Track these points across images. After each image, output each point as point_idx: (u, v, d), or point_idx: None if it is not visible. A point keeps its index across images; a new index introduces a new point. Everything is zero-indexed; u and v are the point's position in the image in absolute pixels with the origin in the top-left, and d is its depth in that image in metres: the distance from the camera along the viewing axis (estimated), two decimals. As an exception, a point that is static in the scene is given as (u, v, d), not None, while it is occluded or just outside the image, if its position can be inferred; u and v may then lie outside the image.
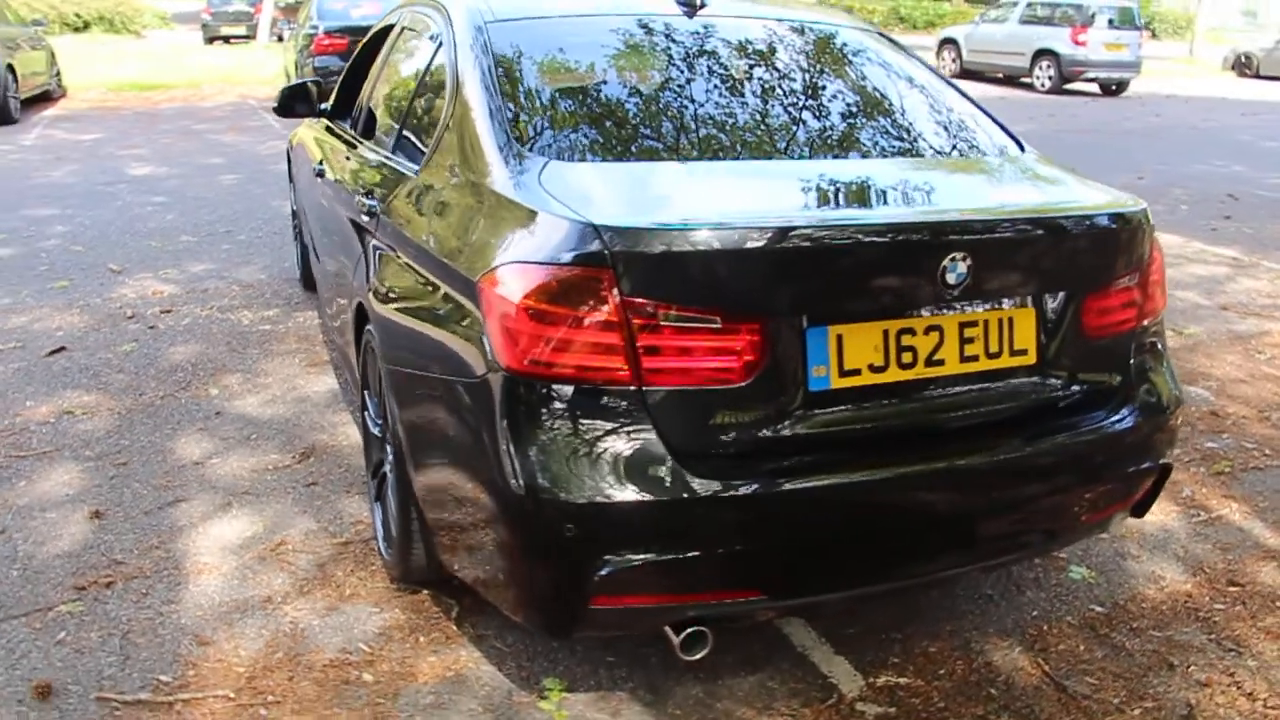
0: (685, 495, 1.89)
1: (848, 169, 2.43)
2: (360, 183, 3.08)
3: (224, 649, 2.53)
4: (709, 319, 1.88)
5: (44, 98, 14.09)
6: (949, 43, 20.57)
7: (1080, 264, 2.23)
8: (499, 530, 1.98)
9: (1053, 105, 16.57)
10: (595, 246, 1.84)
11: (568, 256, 1.86)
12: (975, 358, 2.12)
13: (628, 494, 1.88)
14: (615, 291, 1.84)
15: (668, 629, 2.03)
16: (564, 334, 1.86)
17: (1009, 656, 2.58)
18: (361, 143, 3.37)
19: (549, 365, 1.88)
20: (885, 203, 2.26)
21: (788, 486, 1.95)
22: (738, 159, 2.38)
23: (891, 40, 3.12)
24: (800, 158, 2.44)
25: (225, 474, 3.42)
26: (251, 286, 5.59)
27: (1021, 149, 2.72)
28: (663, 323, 1.87)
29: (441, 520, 2.30)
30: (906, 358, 2.04)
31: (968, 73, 19.92)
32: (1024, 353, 2.18)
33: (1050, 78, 18.26)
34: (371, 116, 3.41)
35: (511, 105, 2.39)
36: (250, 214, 7.40)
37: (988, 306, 2.12)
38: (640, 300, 1.85)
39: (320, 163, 3.82)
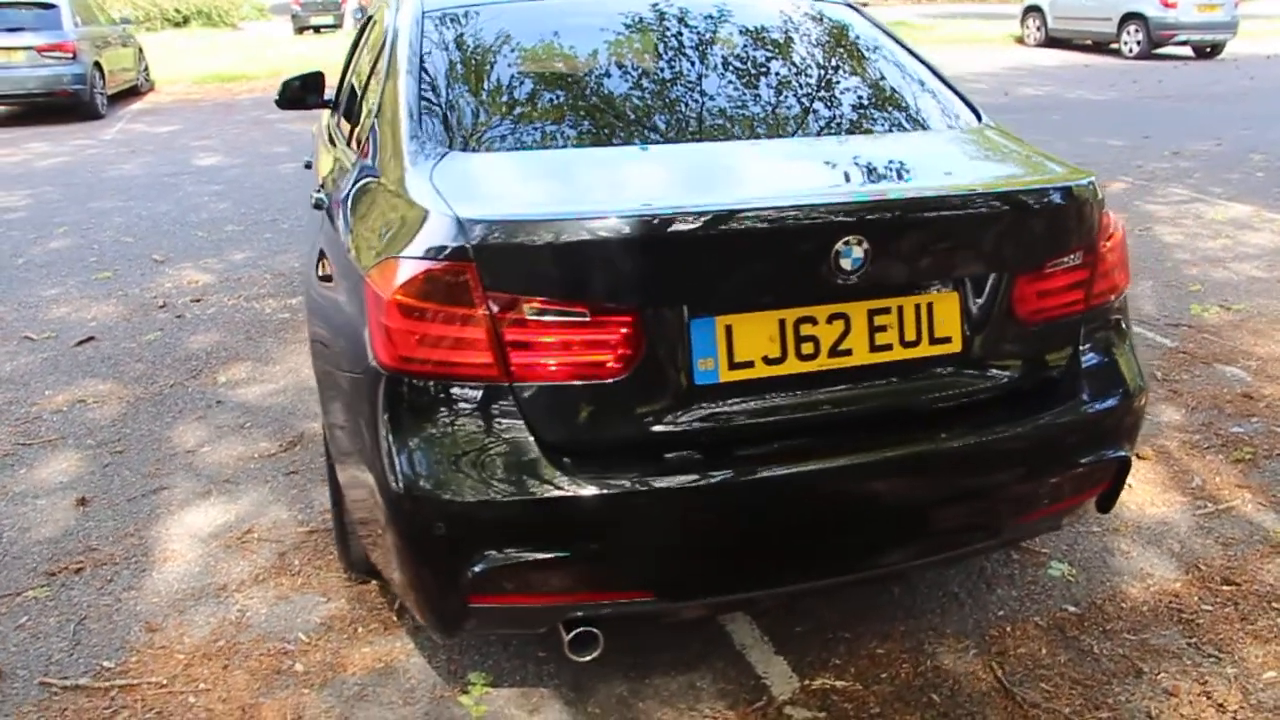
0: (559, 493, 1.83)
1: (768, 150, 2.31)
2: (321, 175, 3.09)
3: (170, 636, 2.58)
4: (577, 312, 1.81)
5: (132, 92, 14.66)
6: (1033, 10, 19.67)
7: (1009, 244, 2.08)
8: (387, 527, 1.96)
9: (1139, 71, 15.70)
10: (459, 241, 1.79)
11: (434, 251, 1.82)
12: (888, 347, 1.99)
13: (498, 492, 1.83)
14: (479, 286, 1.79)
15: (561, 628, 1.98)
16: (432, 330, 1.82)
17: (961, 660, 2.46)
18: (336, 134, 3.39)
19: (420, 361, 1.85)
20: (785, 185, 2.13)
21: (673, 484, 1.87)
22: (650, 144, 2.28)
23: (859, 12, 2.97)
24: (722, 140, 2.34)
25: (212, 462, 3.49)
26: (283, 275, 5.70)
27: (979, 120, 2.57)
28: (529, 317, 1.80)
29: (357, 514, 2.29)
30: (807, 349, 1.93)
31: (1053, 40, 19.04)
32: (947, 340, 2.04)
33: (1139, 43, 17.31)
34: (339, 108, 3.42)
35: (431, 97, 2.34)
36: (300, 202, 7.55)
37: (900, 292, 1.99)
38: (505, 294, 1.79)
39: (310, 155, 3.85)
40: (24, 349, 4.63)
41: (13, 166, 9.38)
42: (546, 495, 1.83)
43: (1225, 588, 2.71)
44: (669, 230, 1.81)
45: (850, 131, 2.44)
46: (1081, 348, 2.21)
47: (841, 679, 2.38)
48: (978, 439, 2.06)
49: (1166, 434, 3.58)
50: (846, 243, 1.85)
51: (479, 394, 1.85)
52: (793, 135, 2.38)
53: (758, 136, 2.36)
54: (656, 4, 2.73)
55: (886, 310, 1.98)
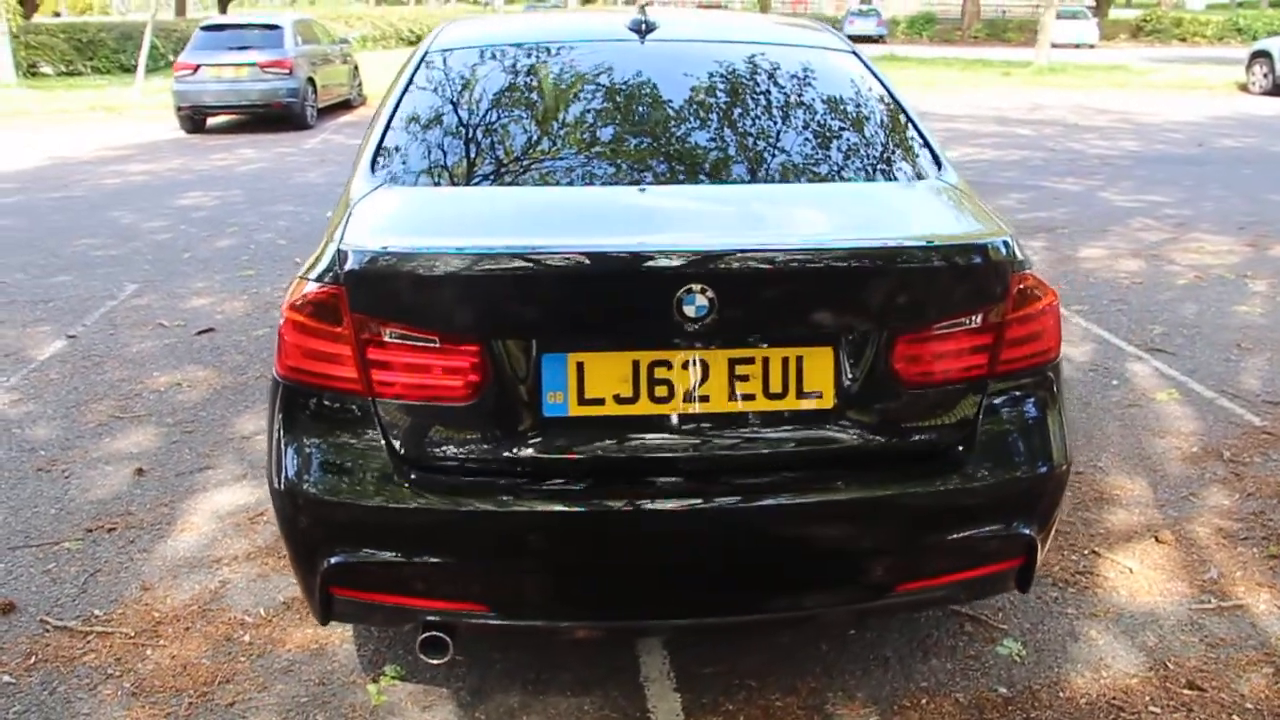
0: (400, 504, 1.98)
1: (675, 196, 2.33)
2: None
3: (156, 595, 2.91)
4: (428, 338, 1.95)
5: (344, 106, 15.99)
6: (1261, 56, 18.17)
7: (890, 302, 2.04)
8: (276, 518, 2.17)
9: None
10: (335, 268, 1.98)
11: (319, 275, 2.02)
12: (751, 397, 2.02)
13: (351, 496, 2.01)
14: (347, 309, 1.96)
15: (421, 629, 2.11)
16: (312, 344, 2.02)
17: (858, 724, 2.41)
18: None
19: (304, 372, 2.04)
20: (650, 231, 2.14)
21: (512, 508, 1.98)
22: (571, 185, 2.39)
23: (857, 56, 2.95)
24: (637, 185, 2.38)
25: (260, 449, 3.85)
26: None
27: (937, 172, 2.51)
28: (387, 339, 1.97)
29: None
30: (661, 391, 1.99)
31: (1281, 89, 17.52)
32: (817, 395, 2.04)
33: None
34: None
35: (398, 131, 2.55)
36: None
37: (766, 343, 2.01)
38: (368, 317, 1.96)
39: None
40: (154, 334, 5.23)
41: (218, 170, 10.49)
42: (391, 504, 1.98)
43: (1187, 692, 2.51)
44: (516, 268, 1.93)
45: (777, 180, 2.45)
46: (982, 417, 2.14)
47: (727, 725, 2.39)
48: (842, 498, 2.04)
49: (1203, 517, 3.32)
50: (689, 291, 1.89)
51: (346, 406, 2.03)
52: (716, 182, 2.42)
53: (678, 182, 2.41)
54: (647, 49, 2.83)
55: (749, 360, 2.00)
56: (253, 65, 13.08)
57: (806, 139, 2.61)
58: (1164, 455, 3.80)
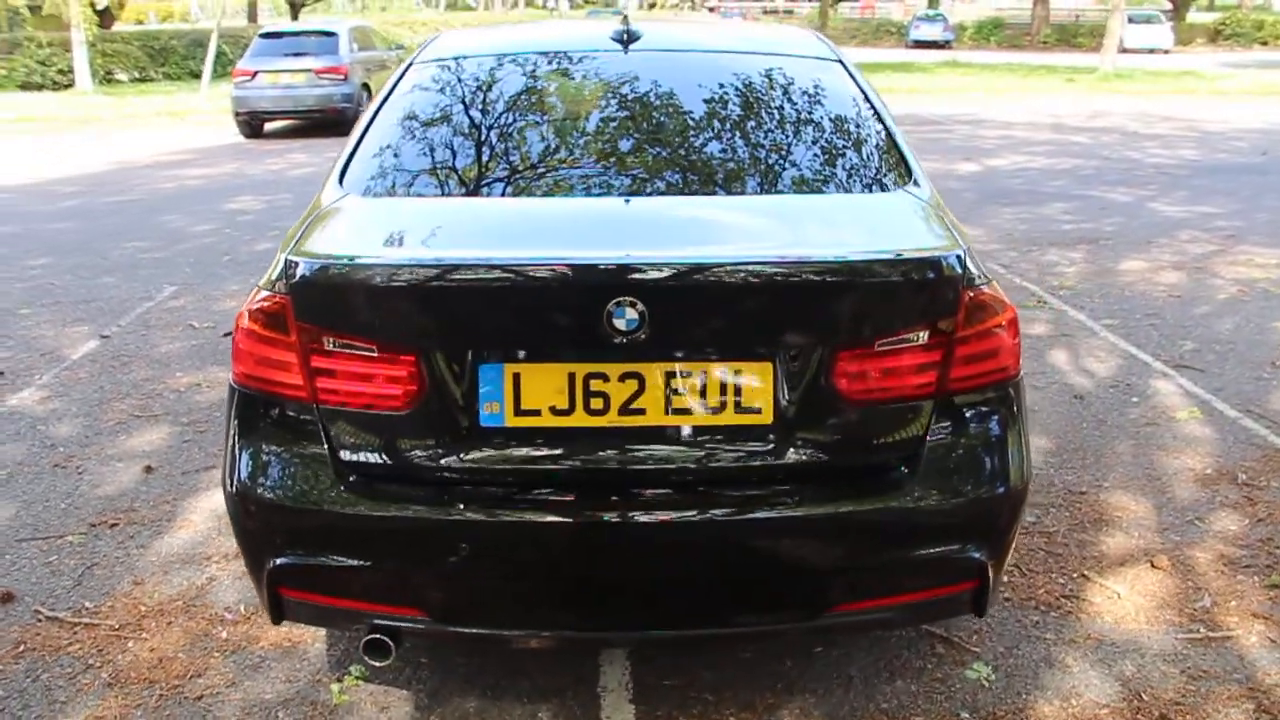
0: (340, 508, 2.02)
1: (630, 209, 2.32)
2: None
3: (146, 590, 3.00)
4: (366, 347, 1.99)
5: (400, 112, 16.23)
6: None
7: (830, 317, 2.02)
8: (230, 520, 2.23)
9: None
10: (282, 277, 2.03)
11: (270, 284, 2.07)
12: (687, 411, 2.01)
13: (292, 499, 2.06)
14: (292, 318, 2.01)
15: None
16: (261, 352, 2.07)
17: (812, 742, 2.39)
18: None
19: (255, 379, 2.10)
20: (591, 244, 2.14)
21: (445, 516, 2.01)
22: (535, 196, 2.41)
23: (844, 66, 2.93)
24: (595, 197, 2.38)
25: (266, 448, 3.94)
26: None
27: (906, 185, 2.48)
28: (328, 348, 2.01)
29: None
30: (596, 404, 2.00)
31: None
32: (756, 411, 2.02)
33: None
34: None
35: (371, 143, 2.60)
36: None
37: (703, 358, 2.00)
38: (311, 326, 2.01)
39: None
40: (183, 335, 5.38)
41: (270, 175, 10.76)
42: (330, 509, 2.03)
43: (1158, 724, 2.45)
44: (451, 280, 1.95)
45: (738, 192, 2.44)
46: (930, 436, 2.10)
47: (677, 738, 2.39)
48: (780, 515, 2.03)
49: (1206, 543, 3.22)
50: (618, 303, 1.90)
51: (293, 413, 2.07)
52: (678, 194, 2.41)
53: (642, 194, 2.41)
54: (628, 60, 2.84)
55: (687, 375, 2.00)
56: (308, 71, 13.40)
57: (775, 150, 2.60)
58: (1175, 476, 3.70)
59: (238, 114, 14.00)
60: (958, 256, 2.07)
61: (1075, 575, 3.06)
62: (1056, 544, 3.23)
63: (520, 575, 2.07)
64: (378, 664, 2.18)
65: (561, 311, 1.97)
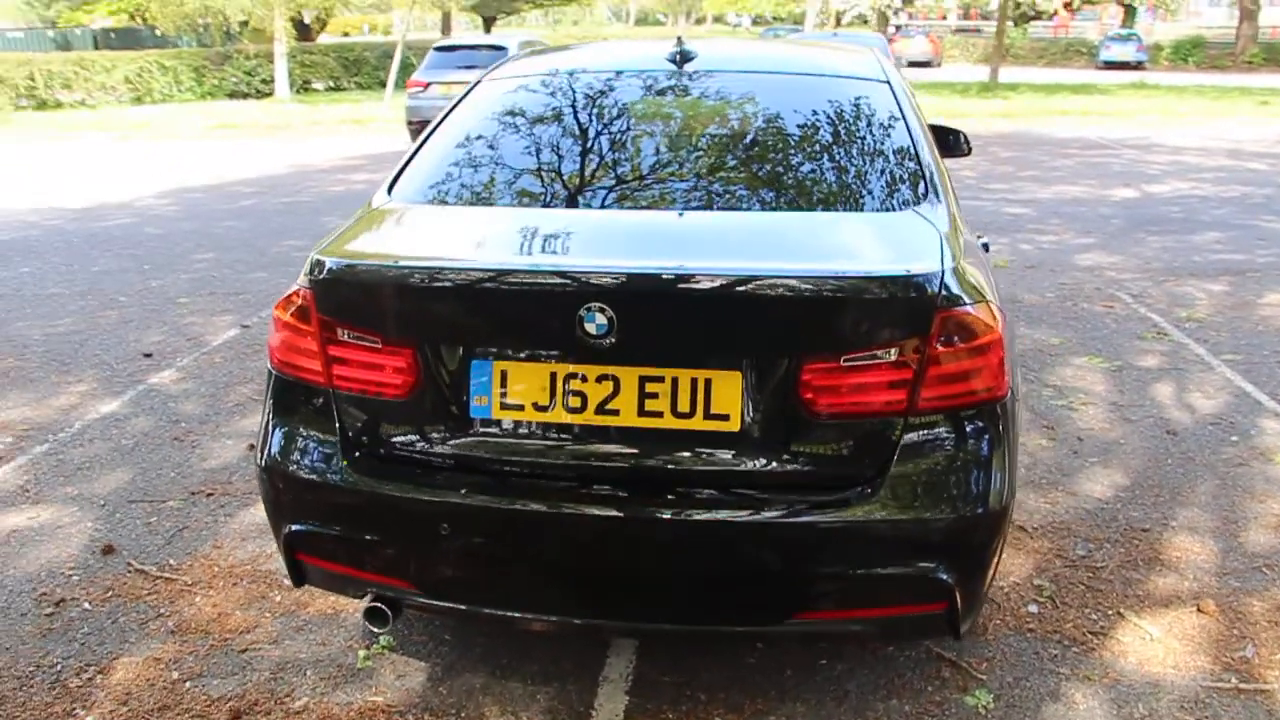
0: (342, 483, 2.24)
1: (642, 222, 2.45)
2: None
3: (222, 553, 3.33)
4: (372, 339, 2.20)
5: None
6: None
7: (797, 330, 2.08)
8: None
9: None
10: (308, 274, 2.27)
11: (300, 281, 2.31)
12: (659, 414, 2.12)
13: (305, 472, 2.29)
14: (314, 311, 2.25)
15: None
16: (291, 340, 2.32)
17: (791, 749, 2.44)
18: None
19: (285, 364, 2.35)
20: (583, 253, 2.27)
21: (433, 496, 2.19)
22: (555, 207, 2.57)
23: (890, 86, 2.95)
24: (617, 209, 2.51)
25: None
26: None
27: (926, 203, 2.49)
28: (341, 338, 2.23)
29: None
30: (574, 402, 2.14)
31: None
32: (725, 418, 2.11)
33: None
34: None
35: (425, 154, 2.84)
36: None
37: (675, 364, 2.10)
38: (329, 319, 2.24)
39: None
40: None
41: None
42: (335, 483, 2.25)
43: (1158, 768, 2.37)
44: (446, 282, 2.14)
45: (750, 208, 2.51)
46: (899, 453, 2.13)
47: (660, 731, 2.49)
48: (741, 519, 2.10)
49: (1268, 593, 3.05)
50: (589, 309, 2.03)
51: (314, 395, 2.31)
52: (692, 208, 2.50)
53: (649, 208, 2.52)
54: (681, 80, 2.97)
55: (659, 379, 2.11)
56: (476, 84, 14.07)
57: (793, 169, 2.67)
58: (1253, 521, 3.50)
59: (410, 122, 14.82)
60: (933, 276, 2.08)
61: (1110, 612, 2.96)
62: (1101, 579, 3.13)
63: (495, 557, 2.23)
64: (377, 630, 2.40)
65: (541, 314, 2.12)
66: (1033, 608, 2.99)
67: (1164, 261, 7.39)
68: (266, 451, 2.37)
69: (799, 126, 2.83)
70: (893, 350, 2.09)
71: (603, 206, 2.56)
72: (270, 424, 2.40)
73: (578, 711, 2.56)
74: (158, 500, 3.72)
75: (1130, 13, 44.16)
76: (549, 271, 2.11)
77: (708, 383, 2.11)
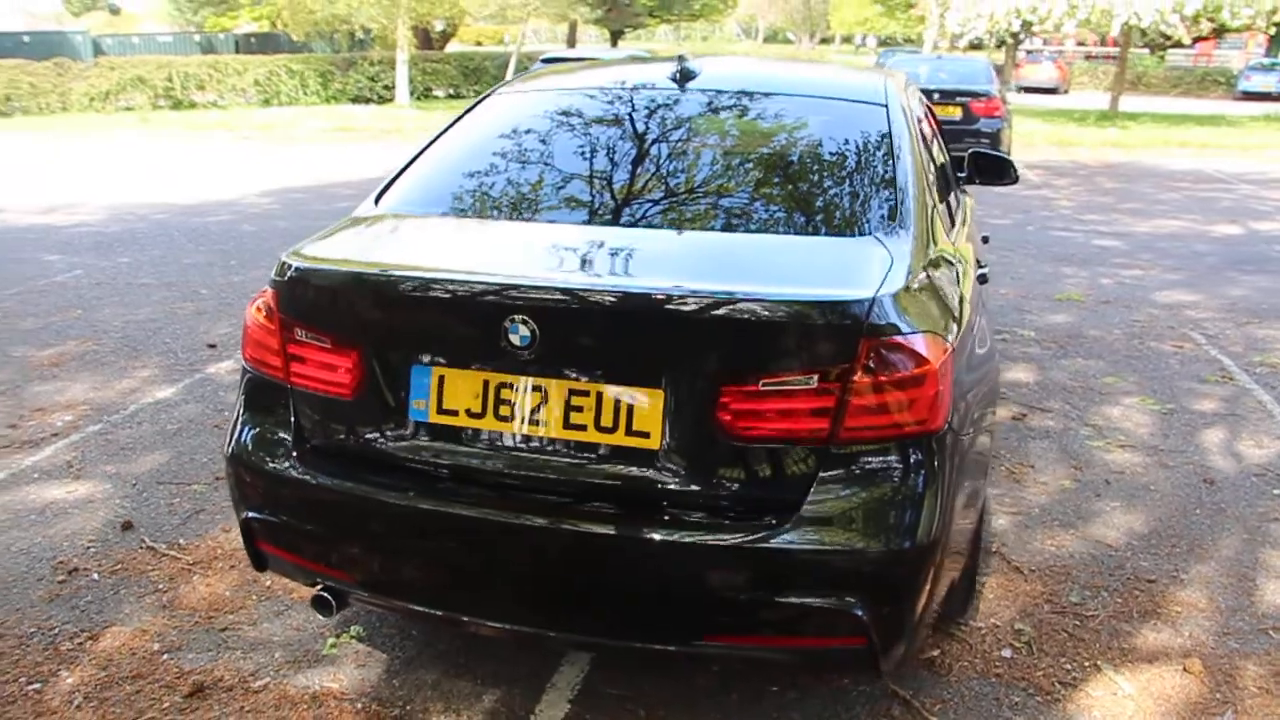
0: (290, 474, 2.35)
1: (606, 237, 2.48)
2: None
3: (229, 538, 3.50)
4: (322, 340, 2.31)
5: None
6: None
7: (710, 352, 2.08)
8: None
9: None
10: (276, 275, 2.39)
11: (270, 281, 2.44)
12: (582, 427, 2.16)
13: (259, 462, 2.42)
14: (277, 310, 2.37)
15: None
16: (257, 336, 2.44)
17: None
18: None
19: (253, 359, 2.48)
20: (527, 267, 2.32)
21: (376, 495, 2.27)
22: (531, 221, 2.64)
23: (887, 110, 2.92)
24: (583, 225, 2.56)
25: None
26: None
27: (888, 230, 2.47)
28: (298, 337, 2.35)
29: None
30: (504, 411, 2.20)
31: None
32: (645, 435, 2.13)
33: None
34: None
35: (417, 165, 2.95)
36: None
37: (600, 379, 2.13)
38: (288, 318, 2.36)
39: None
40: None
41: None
42: (285, 474, 2.37)
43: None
44: (389, 289, 2.24)
45: (707, 227, 2.54)
46: (817, 482, 2.10)
47: (594, 740, 2.52)
48: (653, 537, 2.11)
49: (1269, 657, 2.89)
50: (512, 320, 2.09)
51: (275, 390, 2.43)
52: (639, 225, 2.55)
53: (609, 223, 2.56)
54: (678, 98, 3.01)
55: (585, 393, 2.16)
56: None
57: (762, 189, 2.69)
58: (1272, 580, 3.32)
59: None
60: (860, 303, 2.06)
61: (1087, 664, 2.86)
62: (1087, 628, 3.02)
63: (423, 557, 2.31)
64: (322, 617, 2.50)
65: (471, 324, 2.19)
66: (1006, 652, 2.91)
67: (1251, 303, 7.03)
68: (233, 441, 2.51)
69: (778, 147, 2.84)
70: (814, 377, 2.07)
71: (563, 221, 2.62)
72: (239, 415, 2.53)
73: (518, 715, 2.61)
74: (184, 483, 3.93)
75: (1277, 42, 41.86)
76: (475, 283, 2.18)
77: (632, 399, 2.14)
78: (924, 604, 2.22)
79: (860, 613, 2.11)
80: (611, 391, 2.14)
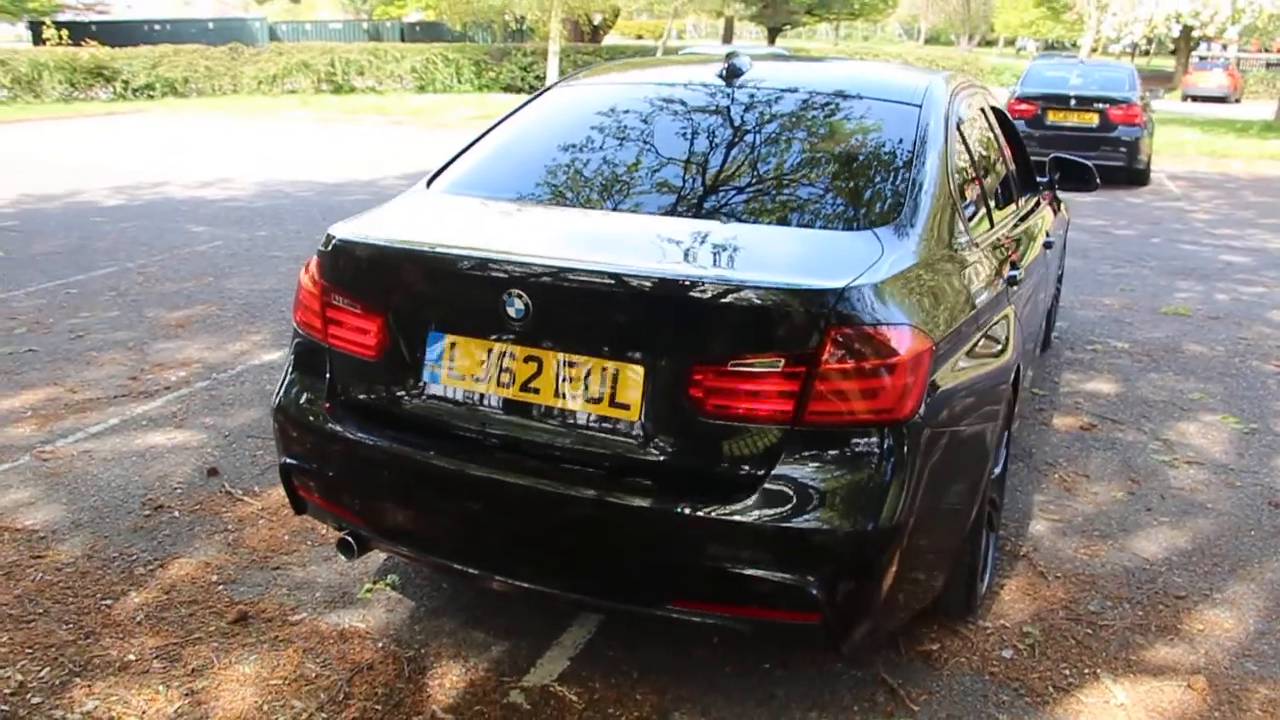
0: (320, 426, 2.62)
1: (631, 223, 2.67)
2: None
3: (298, 488, 3.83)
4: (353, 305, 2.57)
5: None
6: None
7: (685, 332, 2.22)
8: None
9: None
10: (323, 245, 2.67)
11: (316, 252, 2.72)
12: (573, 397, 2.34)
13: (298, 414, 2.70)
14: (319, 277, 2.65)
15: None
16: (306, 299, 2.73)
17: (695, 734, 2.58)
18: None
19: (302, 322, 2.76)
20: (517, 244, 2.53)
21: (391, 448, 2.50)
22: (553, 206, 2.87)
23: (919, 110, 2.97)
24: (616, 211, 2.76)
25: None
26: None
27: (890, 226, 2.56)
28: (334, 301, 2.62)
29: None
30: (505, 378, 2.40)
31: None
32: (626, 407, 2.29)
33: None
34: None
35: (471, 151, 3.19)
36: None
37: (590, 352, 2.31)
38: (328, 284, 2.64)
39: None
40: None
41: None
42: (314, 424, 2.64)
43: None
44: (411, 262, 2.50)
45: (722, 218, 2.65)
46: (780, 461, 2.21)
47: (578, 697, 2.69)
48: (627, 503, 2.27)
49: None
50: (509, 294, 2.30)
51: (316, 349, 2.71)
52: (660, 214, 2.70)
53: (633, 211, 2.76)
54: (722, 95, 3.15)
55: (575, 364, 2.34)
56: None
57: (775, 182, 2.81)
58: (1314, 609, 3.20)
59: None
60: (830, 292, 2.17)
61: (1087, 671, 2.85)
62: (1098, 637, 3.01)
63: (426, 508, 2.55)
64: (345, 558, 2.78)
65: (476, 296, 2.41)
66: (1008, 653, 2.93)
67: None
68: (280, 394, 2.80)
69: (798, 143, 2.94)
70: (781, 360, 2.18)
71: (580, 206, 2.83)
72: (287, 372, 2.82)
73: (519, 666, 2.81)
74: (269, 438, 4.30)
75: None
76: (477, 259, 2.40)
77: (616, 373, 2.31)
78: (886, 589, 2.30)
79: (815, 591, 2.22)
80: (600, 365, 2.32)
